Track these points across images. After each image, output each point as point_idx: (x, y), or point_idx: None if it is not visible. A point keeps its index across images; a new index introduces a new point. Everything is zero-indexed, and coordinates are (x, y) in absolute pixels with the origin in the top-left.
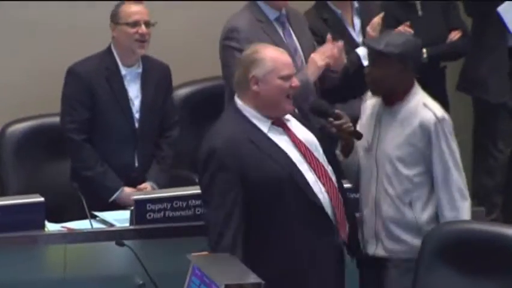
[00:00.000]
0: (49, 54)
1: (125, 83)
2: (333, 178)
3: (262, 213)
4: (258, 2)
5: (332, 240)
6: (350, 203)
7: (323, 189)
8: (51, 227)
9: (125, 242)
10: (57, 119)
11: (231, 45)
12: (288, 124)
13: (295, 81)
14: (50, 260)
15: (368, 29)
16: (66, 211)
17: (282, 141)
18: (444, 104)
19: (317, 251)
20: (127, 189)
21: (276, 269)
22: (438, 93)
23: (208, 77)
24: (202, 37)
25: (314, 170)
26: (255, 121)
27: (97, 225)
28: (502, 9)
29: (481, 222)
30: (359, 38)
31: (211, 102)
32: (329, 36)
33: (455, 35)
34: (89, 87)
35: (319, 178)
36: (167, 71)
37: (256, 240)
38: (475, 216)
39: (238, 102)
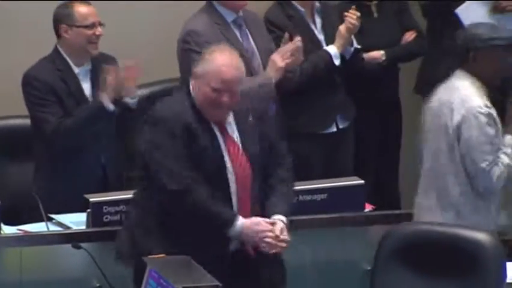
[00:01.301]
0: (28, 56)
1: (80, 81)
2: (251, 188)
3: None
4: (215, 4)
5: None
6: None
7: (235, 194)
8: (7, 229)
9: (82, 244)
10: (14, 121)
11: (189, 48)
12: (228, 126)
13: (224, 99)
14: (6, 263)
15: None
16: (22, 214)
17: (220, 138)
18: (396, 105)
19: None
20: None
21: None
22: (391, 95)
23: (166, 79)
24: (159, 39)
25: (235, 174)
26: (201, 110)
27: (53, 228)
28: (460, 10)
29: (438, 223)
30: (320, 35)
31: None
32: (286, 35)
33: (409, 36)
34: (51, 88)
35: (236, 181)
36: (114, 63)
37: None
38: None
39: (191, 87)
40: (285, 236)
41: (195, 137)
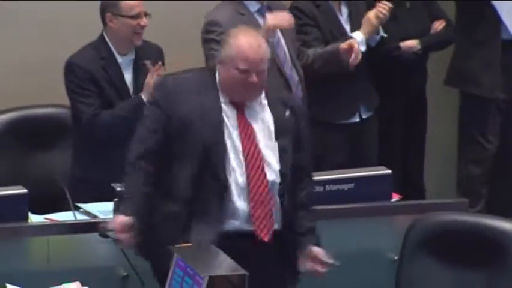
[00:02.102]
0: (31, 47)
1: (122, 71)
2: (267, 173)
3: (172, 162)
4: None
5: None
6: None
7: (243, 175)
8: (34, 218)
9: (109, 233)
10: (40, 110)
11: (212, 38)
12: (246, 110)
13: (252, 78)
14: (34, 251)
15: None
16: (49, 203)
17: (230, 119)
18: (422, 95)
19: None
20: None
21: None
22: (418, 85)
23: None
24: (184, 31)
25: (245, 157)
26: (219, 87)
27: (80, 217)
28: (496, 1)
29: (465, 213)
30: (346, 25)
31: None
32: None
33: (439, 25)
34: (92, 76)
35: (245, 166)
36: (159, 53)
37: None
38: (458, 207)
39: (217, 73)
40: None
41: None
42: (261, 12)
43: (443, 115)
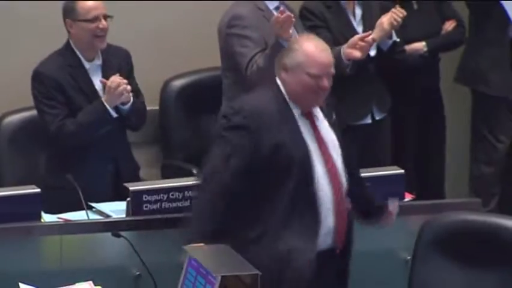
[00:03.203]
0: (46, 49)
1: (90, 76)
2: (343, 182)
3: (262, 188)
4: None
5: (314, 239)
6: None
7: (329, 187)
8: (47, 218)
9: (122, 233)
10: None
11: (236, 33)
12: (316, 121)
13: (324, 83)
14: (47, 251)
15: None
16: (62, 202)
17: (306, 131)
18: (437, 95)
19: (297, 249)
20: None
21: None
22: (431, 85)
23: (203, 68)
24: (196, 29)
25: (328, 169)
26: (289, 102)
27: (93, 217)
28: (505, 0)
29: (478, 213)
30: (358, 27)
31: (206, 94)
32: (281, 9)
33: (449, 25)
34: (59, 85)
35: (329, 178)
36: (127, 56)
37: (249, 212)
38: (471, 207)
39: (278, 81)
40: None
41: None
42: (278, 9)
43: (457, 114)
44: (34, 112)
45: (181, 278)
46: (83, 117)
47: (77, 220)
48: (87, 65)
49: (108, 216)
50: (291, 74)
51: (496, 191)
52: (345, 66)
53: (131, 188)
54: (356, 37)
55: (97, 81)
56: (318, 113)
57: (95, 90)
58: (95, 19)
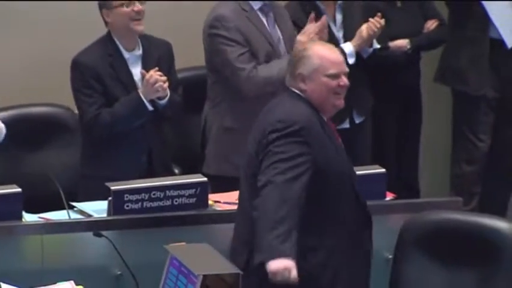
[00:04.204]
0: (34, 46)
1: (129, 66)
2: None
3: (318, 203)
4: None
5: (366, 243)
6: None
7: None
8: (28, 217)
9: (103, 232)
10: (33, 109)
11: (218, 33)
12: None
13: (344, 80)
14: (28, 250)
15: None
16: (43, 202)
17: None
18: (417, 94)
19: (352, 251)
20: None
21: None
22: (412, 84)
23: (186, 67)
24: (178, 27)
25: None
26: (321, 107)
27: (74, 216)
28: (486, 0)
29: (459, 212)
30: (339, 33)
31: (188, 93)
32: (312, 15)
33: (431, 24)
34: (97, 75)
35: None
36: (168, 48)
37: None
38: (452, 206)
39: (296, 91)
40: None
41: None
42: (263, 9)
43: (437, 113)
44: (15, 111)
45: (163, 278)
46: (119, 108)
47: (58, 220)
48: (126, 54)
49: (89, 215)
50: (310, 82)
51: (477, 190)
52: None
53: (112, 188)
54: None
55: (137, 71)
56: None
57: (133, 81)
58: (130, 3)
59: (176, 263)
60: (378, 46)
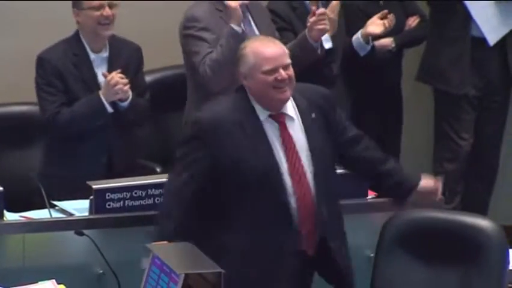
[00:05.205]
0: (16, 45)
1: (94, 68)
2: (312, 186)
3: (229, 201)
4: None
5: (292, 249)
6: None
7: (294, 195)
8: (9, 216)
9: (85, 231)
10: (15, 108)
11: (191, 34)
12: (288, 123)
13: (281, 74)
14: (9, 249)
15: (328, 11)
16: (24, 200)
17: (272, 136)
18: (398, 92)
19: (273, 257)
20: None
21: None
22: (393, 82)
23: (167, 66)
24: (160, 26)
25: (291, 174)
26: (255, 106)
27: (56, 215)
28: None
29: (441, 210)
30: None
31: (170, 92)
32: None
33: (413, 21)
34: (59, 73)
35: (293, 183)
36: (137, 52)
37: (218, 225)
38: (434, 204)
39: (247, 90)
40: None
41: (245, 136)
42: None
43: (419, 112)
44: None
45: (145, 277)
46: (78, 107)
47: (39, 218)
48: (92, 55)
49: (71, 214)
50: (249, 80)
51: (459, 189)
52: (314, 49)
53: (94, 186)
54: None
55: (101, 73)
56: (293, 112)
57: (97, 82)
58: (100, 7)
59: (158, 262)
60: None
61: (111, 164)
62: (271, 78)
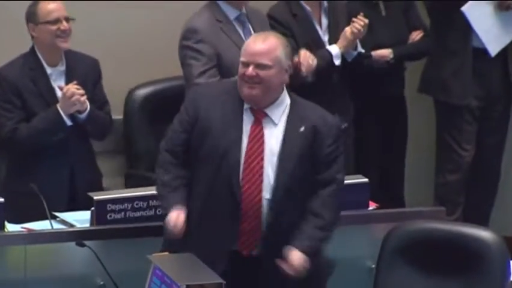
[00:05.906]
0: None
1: (52, 82)
2: (264, 190)
3: (194, 169)
4: (218, 2)
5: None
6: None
7: (240, 189)
8: (11, 227)
9: (86, 242)
10: None
11: (188, 45)
12: (266, 124)
13: (248, 71)
14: (11, 260)
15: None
16: (26, 212)
17: (246, 127)
18: (402, 104)
19: (208, 253)
20: None
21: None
22: (396, 94)
23: (168, 77)
24: (161, 37)
25: (245, 168)
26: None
27: (57, 226)
28: (466, 9)
29: (442, 221)
30: (324, 36)
31: (170, 103)
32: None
33: (416, 35)
34: (17, 89)
35: (243, 176)
36: (94, 65)
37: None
38: (436, 215)
39: None
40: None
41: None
42: (239, 19)
43: (422, 123)
44: None
45: (146, 287)
46: (36, 122)
47: (41, 230)
48: (49, 70)
49: (72, 225)
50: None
51: (461, 200)
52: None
53: (95, 198)
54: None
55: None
56: (279, 119)
57: (55, 96)
58: (56, 21)
59: (159, 273)
60: (363, 50)
61: (73, 180)
62: (242, 70)
